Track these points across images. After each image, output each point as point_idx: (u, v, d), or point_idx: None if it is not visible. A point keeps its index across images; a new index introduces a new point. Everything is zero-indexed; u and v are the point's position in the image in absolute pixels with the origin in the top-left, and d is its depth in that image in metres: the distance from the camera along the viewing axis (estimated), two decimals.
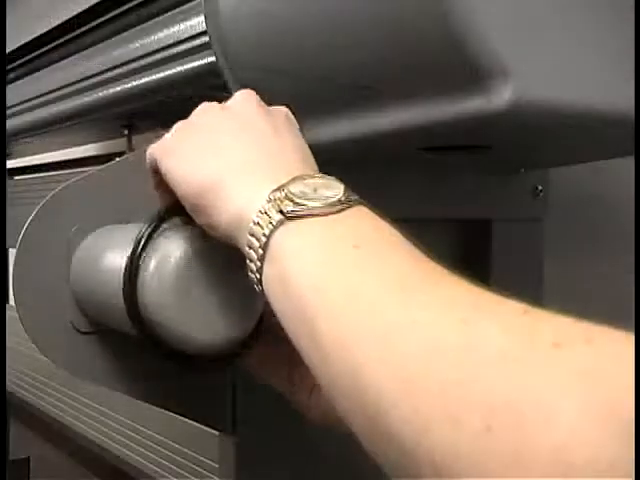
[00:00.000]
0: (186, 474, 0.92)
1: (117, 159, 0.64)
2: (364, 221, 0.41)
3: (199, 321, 0.51)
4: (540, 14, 0.50)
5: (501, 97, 0.48)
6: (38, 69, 1.11)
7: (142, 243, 0.52)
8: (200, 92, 0.80)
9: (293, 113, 0.52)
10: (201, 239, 0.51)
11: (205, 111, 0.53)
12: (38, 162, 1.62)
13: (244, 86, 0.66)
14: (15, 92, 1.16)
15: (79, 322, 0.61)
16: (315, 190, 0.41)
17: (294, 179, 0.43)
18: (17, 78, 1.16)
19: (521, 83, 0.48)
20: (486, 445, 0.27)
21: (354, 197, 0.42)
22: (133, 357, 0.64)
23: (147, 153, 0.54)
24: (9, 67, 1.15)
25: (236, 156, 0.46)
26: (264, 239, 0.40)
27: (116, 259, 0.55)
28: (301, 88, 0.62)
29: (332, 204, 0.40)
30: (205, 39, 0.72)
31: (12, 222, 1.19)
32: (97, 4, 0.90)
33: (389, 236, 0.39)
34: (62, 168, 1.54)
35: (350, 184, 0.73)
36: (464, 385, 0.28)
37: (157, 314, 0.51)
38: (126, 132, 1.13)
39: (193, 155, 0.49)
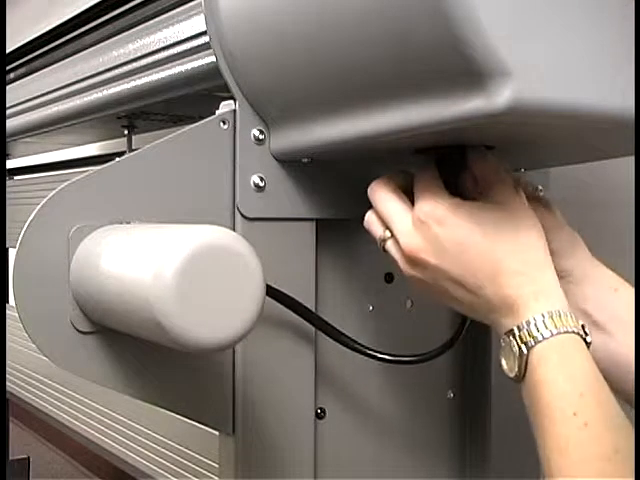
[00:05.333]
0: (186, 474, 0.92)
1: (117, 159, 0.64)
2: None
3: (199, 321, 0.52)
4: (540, 14, 0.50)
5: (501, 97, 0.48)
6: (38, 69, 1.11)
7: None
8: (200, 92, 0.80)
9: (293, 113, 0.52)
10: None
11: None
12: (38, 162, 1.62)
13: (244, 86, 0.66)
14: (15, 92, 1.16)
15: (79, 322, 0.62)
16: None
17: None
18: (17, 78, 1.16)
19: (521, 83, 0.48)
20: None
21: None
22: (133, 357, 0.64)
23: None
24: (9, 67, 1.15)
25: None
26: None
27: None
28: (301, 88, 0.62)
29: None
30: (205, 39, 0.72)
31: (12, 222, 1.19)
32: (97, 4, 0.90)
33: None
34: (62, 168, 1.54)
35: (350, 184, 0.73)
36: None
37: (159, 314, 0.51)
38: (126, 132, 1.14)
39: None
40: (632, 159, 0.62)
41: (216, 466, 0.77)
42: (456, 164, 0.62)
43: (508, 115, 0.48)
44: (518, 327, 0.54)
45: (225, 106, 0.68)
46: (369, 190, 0.62)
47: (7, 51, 1.11)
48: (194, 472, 0.90)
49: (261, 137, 0.67)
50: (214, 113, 0.67)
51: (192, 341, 0.52)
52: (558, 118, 0.52)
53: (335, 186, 0.72)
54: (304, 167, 0.69)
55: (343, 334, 0.70)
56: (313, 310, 0.70)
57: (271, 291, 0.64)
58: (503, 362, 0.55)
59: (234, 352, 0.68)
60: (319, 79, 0.59)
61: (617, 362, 0.61)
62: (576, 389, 0.51)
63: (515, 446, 0.83)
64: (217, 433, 0.71)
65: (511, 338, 0.54)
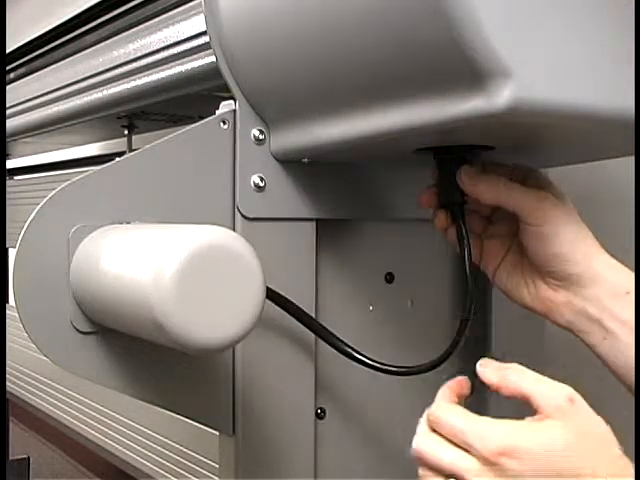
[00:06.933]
0: (186, 474, 0.92)
1: (117, 159, 0.64)
2: None
3: (199, 321, 0.52)
4: (540, 14, 0.50)
5: (501, 97, 0.48)
6: (38, 69, 1.11)
7: None
8: (200, 92, 0.80)
9: (293, 113, 0.52)
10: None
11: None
12: (38, 162, 1.62)
13: (244, 86, 0.66)
14: (15, 92, 1.16)
15: (79, 322, 0.62)
16: None
17: None
18: (17, 78, 1.16)
19: (521, 83, 0.48)
20: None
21: None
22: (133, 357, 0.64)
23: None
24: (9, 67, 1.15)
25: None
26: None
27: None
28: (301, 88, 0.62)
29: None
30: (205, 39, 0.72)
31: (12, 222, 1.19)
32: (97, 4, 0.90)
33: None
34: (62, 168, 1.54)
35: (351, 184, 0.73)
36: None
37: (159, 314, 0.51)
38: (126, 132, 1.14)
39: None
40: (632, 159, 0.62)
41: (216, 466, 0.77)
42: (456, 164, 0.62)
43: (508, 115, 0.48)
44: None
45: (225, 106, 0.68)
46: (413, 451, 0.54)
47: (7, 51, 1.11)
48: (194, 472, 0.90)
49: (261, 137, 0.68)
50: (214, 113, 0.67)
51: (192, 341, 0.52)
52: (558, 118, 0.52)
53: (335, 186, 0.72)
54: (304, 167, 0.69)
55: (337, 337, 0.69)
56: (313, 310, 0.70)
57: (270, 293, 0.64)
58: None
59: (234, 352, 0.68)
60: (319, 79, 0.59)
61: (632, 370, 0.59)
62: None
63: None
64: (217, 433, 0.71)
65: None
